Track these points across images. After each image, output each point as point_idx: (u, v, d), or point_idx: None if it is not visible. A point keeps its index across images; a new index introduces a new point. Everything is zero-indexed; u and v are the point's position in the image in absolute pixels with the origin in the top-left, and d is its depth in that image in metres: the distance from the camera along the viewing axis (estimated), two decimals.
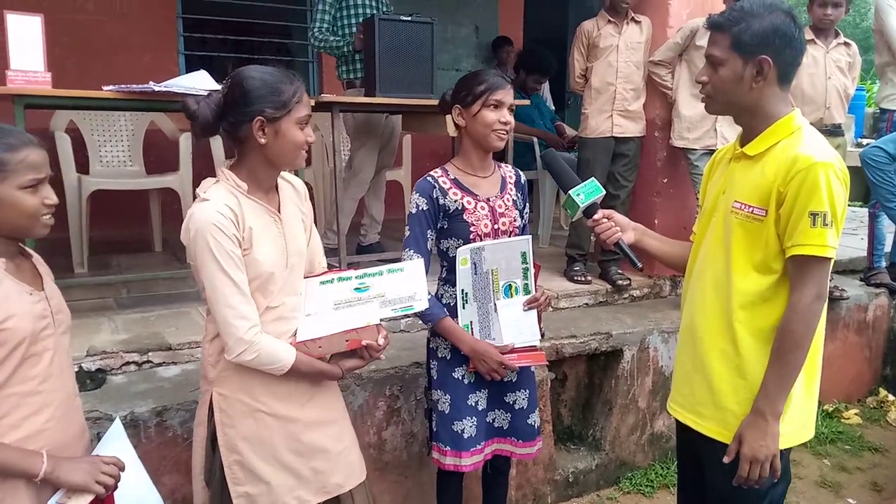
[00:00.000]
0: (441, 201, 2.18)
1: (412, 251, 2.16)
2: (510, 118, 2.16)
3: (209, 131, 1.74)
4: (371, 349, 1.82)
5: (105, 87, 2.72)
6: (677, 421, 1.98)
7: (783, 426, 1.72)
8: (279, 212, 1.81)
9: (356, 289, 1.89)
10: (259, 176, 1.76)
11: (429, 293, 1.95)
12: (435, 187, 2.19)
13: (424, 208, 2.17)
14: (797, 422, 1.78)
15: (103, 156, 4.39)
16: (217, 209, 1.65)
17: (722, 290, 1.78)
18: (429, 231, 2.19)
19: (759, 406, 1.69)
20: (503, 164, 2.36)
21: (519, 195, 2.31)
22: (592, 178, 2.00)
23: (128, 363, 2.63)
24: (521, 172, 2.37)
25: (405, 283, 1.89)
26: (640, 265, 1.97)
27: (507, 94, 2.15)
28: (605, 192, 2.01)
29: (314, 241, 2.00)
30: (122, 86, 2.73)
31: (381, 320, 1.82)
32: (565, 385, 3.44)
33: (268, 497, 1.80)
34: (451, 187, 2.20)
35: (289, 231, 1.82)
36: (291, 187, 1.92)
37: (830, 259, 1.64)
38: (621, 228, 1.95)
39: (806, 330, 1.66)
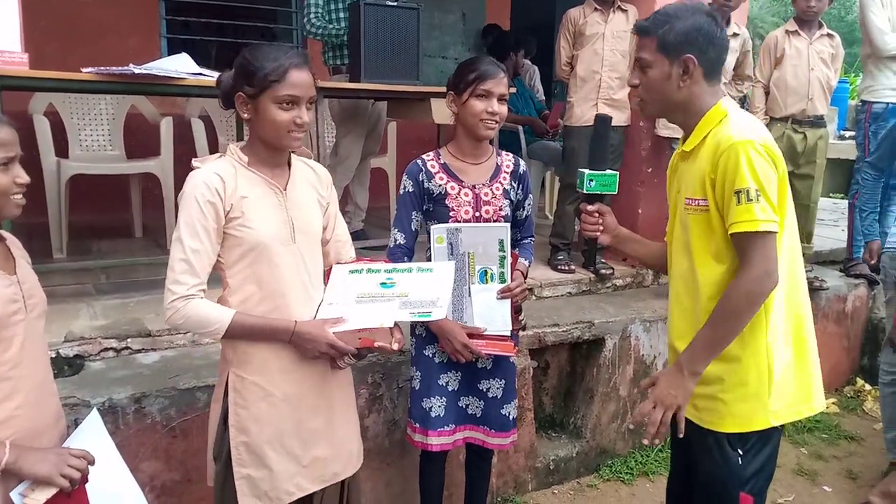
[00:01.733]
0: (426, 185, 2.22)
1: (397, 230, 2.24)
2: (499, 108, 2.16)
3: (225, 103, 1.82)
4: (383, 350, 1.81)
5: (84, 70, 2.67)
6: None
7: (773, 403, 1.77)
8: (285, 188, 1.81)
9: (382, 283, 1.88)
10: (259, 152, 1.79)
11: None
12: (422, 171, 2.23)
13: (410, 190, 2.23)
14: (788, 398, 1.81)
15: (83, 140, 4.33)
16: (203, 178, 1.70)
17: (690, 286, 1.84)
18: (414, 213, 2.24)
19: (681, 360, 1.76)
20: (504, 153, 2.36)
21: (515, 184, 2.31)
22: (616, 173, 1.98)
23: (106, 349, 2.60)
24: (521, 162, 2.37)
25: (431, 286, 1.88)
26: (592, 266, 2.04)
27: (497, 84, 2.14)
28: (615, 192, 2.00)
29: (340, 231, 2.01)
30: (102, 68, 2.68)
31: (396, 323, 1.82)
32: (547, 373, 3.45)
33: (269, 482, 1.81)
34: (438, 171, 2.23)
35: (294, 208, 1.82)
36: (312, 171, 1.94)
37: (767, 232, 1.66)
38: (605, 228, 1.99)
39: (745, 304, 1.69)
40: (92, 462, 1.51)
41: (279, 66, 1.69)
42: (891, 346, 2.95)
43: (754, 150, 1.66)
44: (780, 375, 1.79)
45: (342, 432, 1.94)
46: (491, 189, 2.25)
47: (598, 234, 1.98)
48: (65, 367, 2.43)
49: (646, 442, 1.77)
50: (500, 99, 2.16)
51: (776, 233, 1.67)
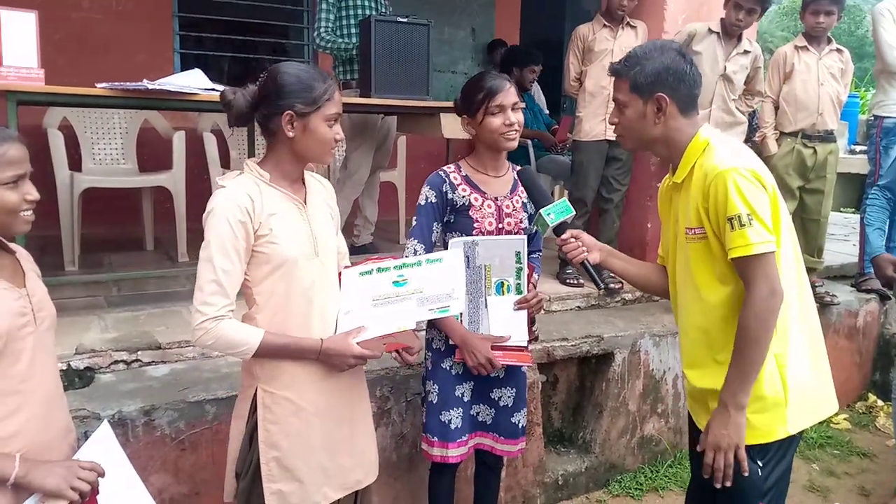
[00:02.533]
0: (450, 196, 2.23)
1: (416, 240, 2.23)
2: (516, 118, 2.19)
3: (242, 121, 1.82)
4: (409, 351, 1.87)
5: (99, 85, 2.71)
6: (690, 420, 2.08)
7: (791, 411, 1.79)
8: (304, 203, 1.84)
9: (394, 282, 1.89)
10: (285, 167, 1.81)
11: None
12: (445, 181, 2.24)
13: (433, 201, 2.23)
14: (806, 405, 1.84)
15: (96, 153, 4.38)
16: (231, 197, 1.71)
17: (699, 313, 1.89)
18: (435, 223, 2.24)
19: (723, 398, 1.78)
20: (518, 167, 2.37)
21: (529, 198, 2.32)
22: (564, 199, 2.07)
23: (116, 362, 2.62)
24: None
25: (443, 277, 1.90)
26: (601, 286, 2.09)
27: (506, 96, 2.17)
28: (574, 212, 2.08)
29: (340, 242, 2.04)
30: (116, 83, 2.72)
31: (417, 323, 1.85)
32: (556, 387, 3.44)
33: (299, 495, 1.82)
34: (460, 183, 2.25)
35: (315, 222, 1.85)
36: (321, 185, 1.97)
37: (765, 253, 1.69)
38: (588, 248, 2.01)
39: (760, 325, 1.72)
40: (102, 474, 1.51)
41: (330, 86, 1.76)
42: None
43: (740, 176, 1.70)
44: (795, 384, 1.80)
45: (363, 441, 1.97)
46: (511, 201, 2.28)
47: (585, 254, 2.00)
48: (75, 379, 2.45)
49: (717, 486, 1.79)
50: (514, 108, 2.19)
51: (774, 252, 1.71)
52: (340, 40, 3.99)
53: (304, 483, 1.82)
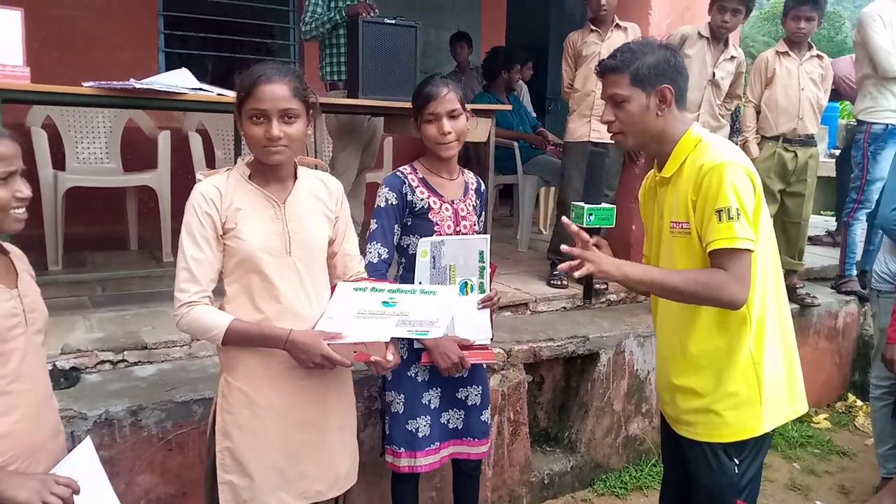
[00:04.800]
0: (409, 198, 2.22)
1: (379, 244, 2.19)
2: (451, 126, 2.16)
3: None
4: (379, 365, 1.80)
5: (86, 84, 2.69)
6: (663, 421, 2.08)
7: (765, 409, 1.83)
8: (283, 202, 1.82)
9: (384, 302, 1.89)
10: (257, 165, 1.83)
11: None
12: (405, 183, 2.23)
13: (394, 202, 2.21)
14: (779, 403, 1.87)
15: (80, 152, 4.34)
16: (200, 190, 1.78)
17: (676, 306, 1.89)
18: (396, 226, 2.23)
19: (625, 262, 1.79)
20: (465, 171, 2.41)
21: (478, 202, 2.38)
22: (613, 207, 1.91)
23: (102, 362, 2.60)
24: (481, 180, 2.44)
25: (432, 308, 1.88)
26: (592, 301, 2.03)
27: (440, 104, 2.15)
28: (613, 225, 1.93)
29: (348, 245, 2.00)
30: (103, 82, 2.71)
31: (393, 339, 1.82)
32: (542, 388, 3.47)
33: (249, 491, 1.82)
34: (418, 185, 2.25)
35: (294, 221, 1.83)
36: (322, 184, 1.94)
37: (745, 250, 1.70)
38: (588, 261, 1.86)
39: (701, 289, 1.72)
40: (77, 491, 1.45)
41: (249, 80, 1.73)
42: (883, 361, 2.98)
43: (736, 172, 1.72)
44: (769, 383, 1.84)
45: (333, 451, 1.92)
46: (465, 204, 2.31)
47: (581, 270, 1.81)
48: (61, 379, 2.43)
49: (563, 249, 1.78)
50: (451, 116, 2.17)
51: (752, 252, 1.72)
52: (321, 13, 3.90)
53: (255, 481, 1.81)
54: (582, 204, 1.88)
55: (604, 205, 1.89)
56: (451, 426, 2.35)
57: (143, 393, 2.42)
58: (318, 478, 1.89)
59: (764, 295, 1.81)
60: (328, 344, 1.75)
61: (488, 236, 2.31)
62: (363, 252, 2.14)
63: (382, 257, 2.19)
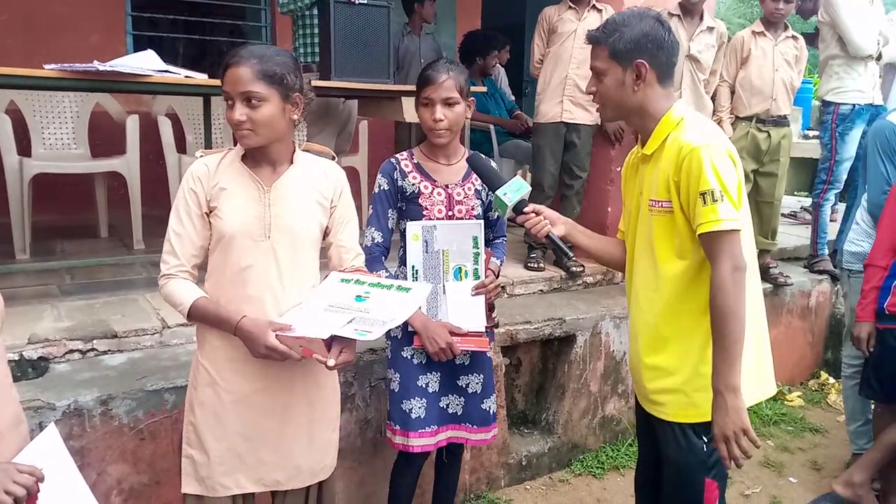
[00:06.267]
0: (400, 183, 2.24)
1: (373, 228, 2.24)
2: (444, 114, 2.15)
3: None
4: (319, 362, 1.72)
5: (47, 66, 2.62)
6: (637, 401, 2.09)
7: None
8: (270, 185, 1.80)
9: (357, 297, 1.83)
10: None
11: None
12: (396, 169, 2.25)
13: (386, 188, 2.25)
14: (747, 384, 1.83)
15: (46, 138, 4.24)
16: (192, 167, 1.82)
17: (650, 284, 1.89)
18: (390, 210, 2.25)
19: (716, 385, 1.74)
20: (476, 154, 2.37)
21: (482, 186, 2.31)
22: (517, 176, 2.05)
23: (71, 351, 2.55)
24: (491, 163, 2.38)
25: (395, 307, 1.80)
26: (571, 255, 2.11)
27: (436, 90, 2.15)
28: (530, 188, 2.03)
29: (344, 236, 1.95)
30: (66, 65, 2.63)
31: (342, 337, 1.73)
32: (519, 370, 3.47)
33: (207, 469, 1.83)
34: (411, 171, 2.25)
35: (279, 205, 1.80)
36: (322, 173, 1.91)
37: (732, 231, 1.71)
38: (551, 222, 1.98)
39: (732, 301, 1.71)
40: (41, 479, 1.40)
41: (223, 63, 1.73)
42: (851, 339, 3.03)
43: (716, 153, 1.72)
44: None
45: (296, 443, 1.88)
46: (463, 189, 2.28)
47: (549, 227, 1.95)
48: (28, 369, 2.38)
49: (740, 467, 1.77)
50: (447, 103, 2.16)
51: (739, 230, 1.73)
52: None
53: (211, 460, 1.82)
54: (496, 194, 1.97)
55: (510, 180, 1.97)
56: (450, 411, 2.35)
57: (114, 382, 2.38)
58: (276, 467, 1.87)
59: None
60: (277, 335, 1.70)
61: (481, 222, 2.28)
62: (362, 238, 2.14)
63: (377, 241, 2.24)
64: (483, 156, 2.25)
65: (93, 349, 2.59)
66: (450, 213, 2.25)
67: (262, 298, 1.79)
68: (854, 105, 4.32)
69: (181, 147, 4.37)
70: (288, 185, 1.83)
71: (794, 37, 4.15)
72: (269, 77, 1.71)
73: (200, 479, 1.83)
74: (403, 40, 4.86)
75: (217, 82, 1.84)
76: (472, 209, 2.28)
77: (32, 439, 1.56)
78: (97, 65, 2.63)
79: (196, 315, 1.79)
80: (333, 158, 2.01)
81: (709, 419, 1.83)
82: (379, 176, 2.26)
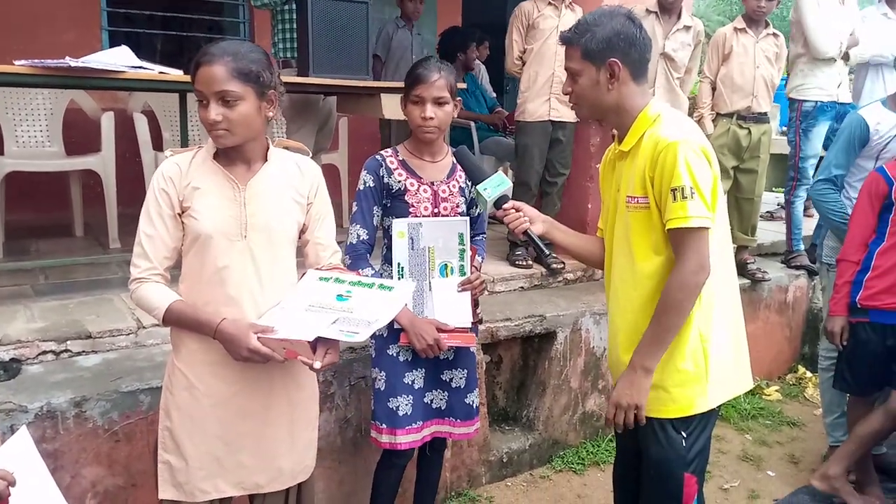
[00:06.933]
0: (386, 180, 2.23)
1: (358, 225, 2.23)
2: (434, 112, 2.16)
3: None
4: (304, 364, 1.69)
5: (17, 62, 2.56)
6: None
7: (712, 385, 1.85)
8: (244, 183, 1.77)
9: (339, 296, 1.80)
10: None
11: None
12: (382, 165, 2.24)
13: (371, 185, 2.23)
14: (725, 380, 1.90)
15: (19, 136, 4.17)
16: (162, 167, 1.78)
17: (628, 281, 1.91)
18: (375, 207, 2.24)
19: (633, 360, 1.83)
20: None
21: (468, 182, 2.30)
22: (499, 171, 2.08)
23: (45, 352, 2.51)
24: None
25: (379, 306, 1.77)
26: (547, 252, 2.10)
27: (427, 89, 2.15)
28: (511, 184, 2.06)
29: (321, 233, 1.92)
30: (36, 61, 2.58)
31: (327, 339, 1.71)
32: (500, 367, 3.47)
33: (185, 474, 1.79)
34: (397, 168, 2.24)
35: (254, 204, 1.77)
36: (297, 169, 1.88)
37: (701, 228, 1.73)
38: (530, 219, 1.99)
39: (683, 297, 1.76)
40: (12, 483, 1.38)
41: (194, 62, 1.68)
42: (824, 333, 3.06)
43: (690, 150, 1.72)
44: (716, 360, 1.86)
45: (277, 444, 1.86)
46: (448, 186, 2.28)
47: (528, 224, 1.97)
48: (0, 371, 2.34)
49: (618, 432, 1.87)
50: (437, 103, 2.16)
51: (708, 229, 1.74)
52: None
53: (189, 465, 1.79)
54: (476, 189, 1.99)
55: (492, 176, 2.00)
56: (434, 406, 2.35)
57: (88, 383, 2.34)
58: (256, 470, 1.85)
59: (714, 276, 1.81)
60: (259, 337, 1.67)
61: (467, 219, 2.28)
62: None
63: (362, 238, 2.23)
64: (470, 152, 2.25)
65: (66, 350, 2.55)
66: (435, 210, 2.25)
67: (241, 299, 1.76)
68: (816, 102, 4.39)
69: (157, 144, 4.32)
70: (263, 182, 1.80)
71: (774, 34, 4.18)
72: (244, 75, 1.68)
73: (178, 485, 1.80)
74: (397, 33, 4.83)
75: None
76: (458, 206, 2.29)
77: (3, 442, 1.54)
78: (69, 61, 2.58)
79: (172, 319, 1.74)
80: (308, 154, 1.98)
81: (688, 414, 1.86)
82: (364, 172, 2.24)
